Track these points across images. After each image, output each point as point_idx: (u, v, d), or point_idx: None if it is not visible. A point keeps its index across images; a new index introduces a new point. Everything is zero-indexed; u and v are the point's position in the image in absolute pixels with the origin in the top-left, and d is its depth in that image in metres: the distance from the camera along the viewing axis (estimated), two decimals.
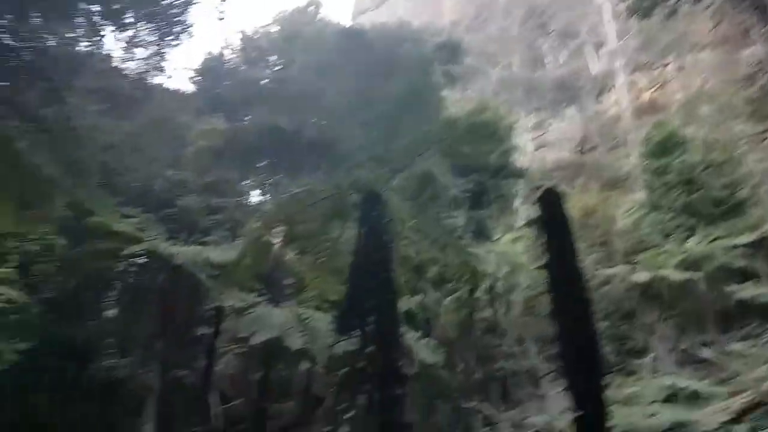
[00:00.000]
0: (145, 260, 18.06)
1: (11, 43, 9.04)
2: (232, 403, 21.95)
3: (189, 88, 27.09)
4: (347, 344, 18.87)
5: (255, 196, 26.01)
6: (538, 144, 50.42)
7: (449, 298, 27.32)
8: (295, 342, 17.80)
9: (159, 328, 17.46)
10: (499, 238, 29.56)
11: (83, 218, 16.19)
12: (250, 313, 18.33)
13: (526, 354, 26.64)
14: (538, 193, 11.16)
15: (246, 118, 23.95)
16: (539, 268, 11.94)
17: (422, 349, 20.04)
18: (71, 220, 15.76)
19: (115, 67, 13.71)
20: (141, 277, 18.91)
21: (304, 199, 11.96)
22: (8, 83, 9.00)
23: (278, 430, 21.39)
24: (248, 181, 24.07)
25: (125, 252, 17.04)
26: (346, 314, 10.78)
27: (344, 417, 19.89)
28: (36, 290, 17.36)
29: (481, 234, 25.23)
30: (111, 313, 22.59)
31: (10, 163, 8.94)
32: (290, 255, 18.23)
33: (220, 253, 17.97)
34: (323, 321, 18.74)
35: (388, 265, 10.54)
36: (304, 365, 21.44)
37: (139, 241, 16.98)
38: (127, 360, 18.30)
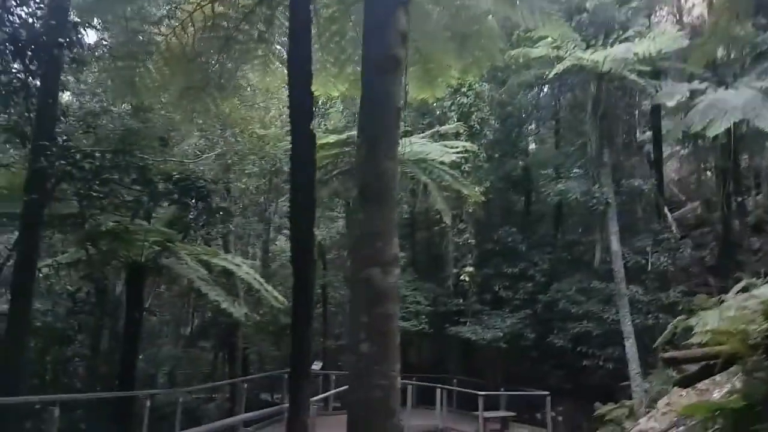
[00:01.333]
0: (571, 76, 17.36)
1: None
2: (686, 207, 20.47)
3: None
4: None
5: None
6: None
7: None
8: None
9: (601, 140, 16.84)
10: None
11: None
12: (697, 103, 16.03)
13: None
14: None
15: None
16: None
17: None
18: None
19: None
20: (571, 95, 18.38)
21: None
22: None
23: (750, 229, 19.04)
24: None
25: (550, 76, 16.61)
26: None
27: None
28: (477, 137, 18.64)
29: None
30: (545, 139, 23.30)
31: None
32: (740, 22, 14.73)
33: (649, 45, 15.83)
34: None
35: None
36: None
37: (560, 59, 16.23)
38: (571, 182, 18.38)
